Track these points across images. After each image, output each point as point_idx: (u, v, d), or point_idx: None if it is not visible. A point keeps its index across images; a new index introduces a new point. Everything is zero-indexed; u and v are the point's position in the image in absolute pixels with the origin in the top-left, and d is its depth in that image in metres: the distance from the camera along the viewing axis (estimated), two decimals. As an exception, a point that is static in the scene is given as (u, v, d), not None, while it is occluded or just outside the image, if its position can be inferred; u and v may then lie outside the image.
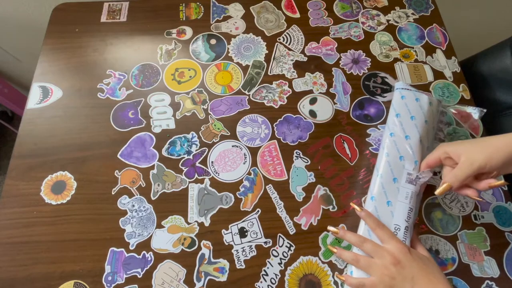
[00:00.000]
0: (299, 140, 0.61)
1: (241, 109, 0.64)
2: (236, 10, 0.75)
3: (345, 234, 0.49)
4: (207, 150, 0.60)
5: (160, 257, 0.52)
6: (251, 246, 0.53)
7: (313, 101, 0.65)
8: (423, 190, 0.53)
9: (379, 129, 0.62)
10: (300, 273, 0.51)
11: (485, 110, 0.59)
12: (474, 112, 0.60)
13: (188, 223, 0.54)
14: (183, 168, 0.58)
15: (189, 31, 0.72)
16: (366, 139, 0.61)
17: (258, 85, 0.66)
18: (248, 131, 0.62)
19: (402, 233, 0.48)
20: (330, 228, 0.52)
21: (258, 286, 0.50)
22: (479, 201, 0.50)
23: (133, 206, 0.55)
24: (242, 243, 0.53)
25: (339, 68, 0.68)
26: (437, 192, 0.47)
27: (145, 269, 0.51)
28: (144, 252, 0.52)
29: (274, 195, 0.56)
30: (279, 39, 0.71)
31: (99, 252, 0.52)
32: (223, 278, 0.51)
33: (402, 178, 0.51)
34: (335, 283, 0.50)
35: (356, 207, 0.50)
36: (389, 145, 0.54)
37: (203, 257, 0.52)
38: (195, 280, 0.51)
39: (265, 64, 0.68)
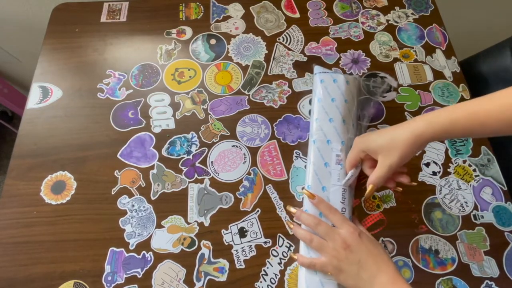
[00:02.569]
0: (299, 140, 0.61)
1: (241, 109, 0.64)
2: (236, 10, 0.75)
3: (301, 215, 0.51)
4: (207, 150, 0.60)
5: (160, 257, 0.52)
6: (251, 246, 0.53)
7: (313, 101, 0.65)
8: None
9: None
10: (299, 273, 0.51)
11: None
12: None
13: (188, 223, 0.54)
14: (183, 168, 0.58)
15: (189, 31, 0.72)
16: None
17: (258, 85, 0.66)
18: (248, 131, 0.62)
19: None
20: (289, 208, 0.53)
21: (258, 286, 0.50)
22: (399, 191, 0.53)
23: (133, 206, 0.55)
24: (242, 243, 0.53)
25: (339, 68, 0.68)
26: (366, 196, 0.49)
27: (145, 269, 0.51)
28: (144, 252, 0.52)
29: (274, 195, 0.56)
30: (279, 39, 0.71)
31: (99, 252, 0.52)
32: (223, 278, 0.51)
33: (332, 161, 0.52)
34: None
35: (308, 193, 0.51)
36: (316, 131, 0.55)
37: (203, 257, 0.52)
38: (195, 280, 0.51)
39: (265, 64, 0.68)
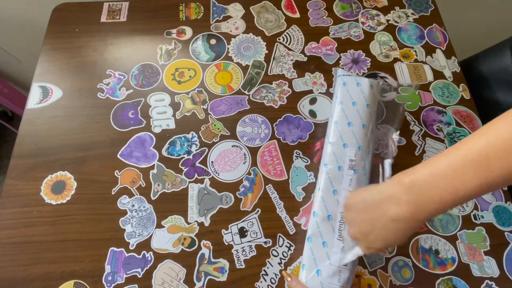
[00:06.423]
0: (299, 140, 0.61)
1: (241, 109, 0.64)
2: (236, 10, 0.75)
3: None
4: (207, 150, 0.60)
5: (160, 257, 0.52)
6: (251, 246, 0.53)
7: (313, 101, 0.65)
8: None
9: (379, 129, 0.62)
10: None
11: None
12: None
13: (188, 223, 0.54)
14: (183, 168, 0.58)
15: (189, 31, 0.72)
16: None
17: (258, 85, 0.66)
18: (248, 131, 0.62)
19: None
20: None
21: (258, 286, 0.50)
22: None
23: (133, 206, 0.55)
24: (242, 243, 0.53)
25: (339, 68, 0.68)
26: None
27: (145, 269, 0.51)
28: (144, 252, 0.52)
29: (274, 195, 0.56)
30: (279, 39, 0.71)
31: (99, 252, 0.52)
32: (223, 278, 0.51)
33: (345, 165, 0.52)
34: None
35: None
36: (334, 133, 0.54)
37: (203, 257, 0.52)
38: (195, 280, 0.51)
39: (265, 64, 0.68)
